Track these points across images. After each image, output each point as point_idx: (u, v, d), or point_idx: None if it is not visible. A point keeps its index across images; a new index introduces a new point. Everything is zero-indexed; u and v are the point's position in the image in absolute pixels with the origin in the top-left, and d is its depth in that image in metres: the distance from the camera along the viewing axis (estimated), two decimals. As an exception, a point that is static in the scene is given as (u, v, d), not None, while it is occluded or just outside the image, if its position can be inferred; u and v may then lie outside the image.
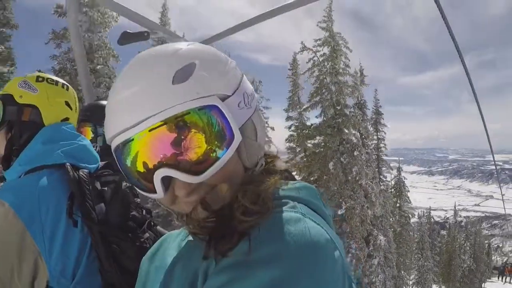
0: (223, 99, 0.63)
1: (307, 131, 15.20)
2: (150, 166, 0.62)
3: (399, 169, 25.74)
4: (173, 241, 0.83)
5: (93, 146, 1.44)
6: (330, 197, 13.89)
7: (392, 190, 23.86)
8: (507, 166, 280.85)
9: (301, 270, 0.52)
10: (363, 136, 15.13)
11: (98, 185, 1.28)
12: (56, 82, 1.38)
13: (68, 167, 1.22)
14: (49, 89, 1.34)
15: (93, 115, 2.02)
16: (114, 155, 0.67)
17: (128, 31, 2.65)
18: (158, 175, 0.61)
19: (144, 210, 1.38)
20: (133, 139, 0.61)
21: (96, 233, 1.17)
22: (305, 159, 15.16)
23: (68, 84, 1.42)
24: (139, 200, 1.39)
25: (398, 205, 23.61)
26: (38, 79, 1.34)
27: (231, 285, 0.52)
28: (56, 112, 1.34)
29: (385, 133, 21.60)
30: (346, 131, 14.30)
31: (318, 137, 14.51)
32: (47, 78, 1.36)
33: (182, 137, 0.60)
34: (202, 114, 0.60)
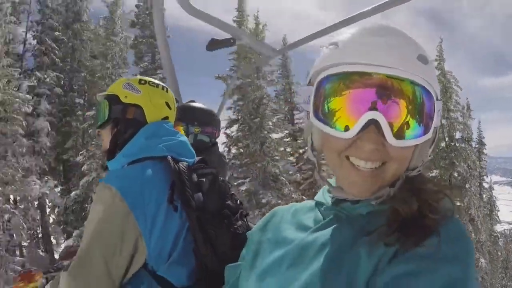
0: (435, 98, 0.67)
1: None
2: (372, 103, 0.63)
3: (490, 189, 25.66)
4: (286, 215, 0.86)
5: None
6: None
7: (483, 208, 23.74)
8: None
9: (473, 272, 0.61)
10: (470, 168, 16.39)
11: (195, 177, 1.36)
12: (157, 85, 1.47)
13: (170, 159, 1.32)
14: (151, 91, 1.43)
15: (185, 115, 2.14)
16: (335, 80, 0.66)
17: (216, 38, 2.74)
18: (369, 115, 0.62)
19: (237, 201, 1.46)
20: (375, 75, 0.63)
21: (194, 219, 1.25)
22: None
23: (167, 87, 1.52)
24: (233, 192, 1.50)
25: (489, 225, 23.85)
26: (140, 81, 1.44)
27: (417, 274, 0.58)
28: (157, 111, 1.43)
29: (486, 162, 22.44)
30: (457, 164, 15.78)
31: (435, 170, 16.04)
32: (149, 81, 1.46)
33: (412, 102, 0.64)
34: (428, 97, 0.65)
